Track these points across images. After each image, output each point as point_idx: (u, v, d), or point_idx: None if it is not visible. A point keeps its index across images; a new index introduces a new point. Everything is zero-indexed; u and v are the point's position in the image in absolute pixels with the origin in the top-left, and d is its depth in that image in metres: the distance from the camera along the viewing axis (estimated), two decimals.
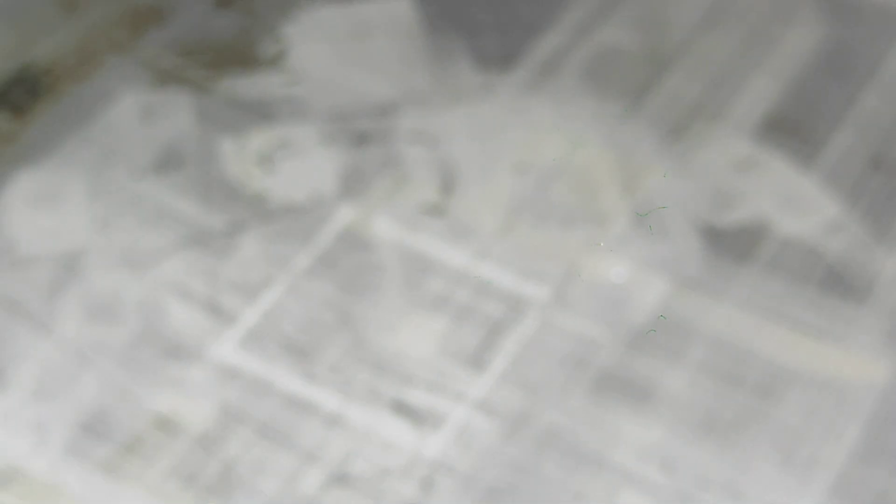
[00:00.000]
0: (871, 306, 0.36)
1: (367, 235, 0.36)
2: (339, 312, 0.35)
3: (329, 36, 0.42)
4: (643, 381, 0.34)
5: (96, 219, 0.37)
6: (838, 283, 0.36)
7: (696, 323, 0.35)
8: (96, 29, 0.42)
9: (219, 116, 0.40)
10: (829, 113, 0.41)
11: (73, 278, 0.36)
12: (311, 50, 0.41)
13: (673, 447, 0.33)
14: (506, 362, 0.35)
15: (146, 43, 0.41)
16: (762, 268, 0.36)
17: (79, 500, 0.32)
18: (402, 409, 0.34)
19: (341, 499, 0.32)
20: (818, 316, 0.35)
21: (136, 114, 0.39)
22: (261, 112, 0.40)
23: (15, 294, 0.35)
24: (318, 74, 0.41)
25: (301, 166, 0.38)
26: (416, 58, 0.41)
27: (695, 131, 0.39)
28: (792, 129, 0.40)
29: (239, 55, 0.41)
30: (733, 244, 0.37)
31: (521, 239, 0.36)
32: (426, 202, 0.37)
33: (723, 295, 0.36)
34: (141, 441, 0.33)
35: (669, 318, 0.35)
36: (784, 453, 0.33)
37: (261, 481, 0.32)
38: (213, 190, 0.38)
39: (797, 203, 0.38)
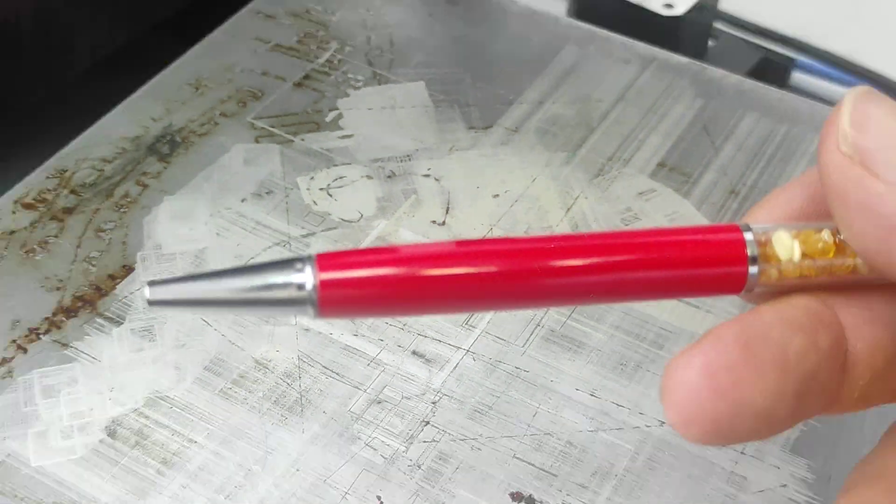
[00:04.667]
0: None
1: (395, 240, 0.36)
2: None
3: (370, 107, 0.42)
4: (577, 337, 0.35)
5: (214, 229, 0.37)
6: None
7: None
8: (215, 103, 0.42)
9: (297, 161, 0.40)
10: (700, 159, 0.41)
11: (200, 267, 0.36)
12: (358, 116, 0.42)
13: (597, 381, 0.33)
14: (486, 324, 0.35)
15: (248, 112, 0.42)
16: None
17: (203, 415, 0.32)
18: (419, 355, 0.34)
19: (378, 414, 0.32)
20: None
21: (240, 159, 0.40)
22: (324, 158, 0.40)
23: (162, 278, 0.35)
24: (362, 132, 0.41)
25: (351, 194, 0.39)
26: (427, 123, 0.41)
27: (611, 172, 0.40)
28: (675, 170, 0.40)
29: (310, 120, 0.41)
30: None
31: None
32: (433, 218, 0.38)
33: None
34: (245, 377, 0.33)
35: None
36: None
37: (324, 403, 0.32)
38: (293, 210, 0.38)
39: (679, 219, 0.38)
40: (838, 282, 0.21)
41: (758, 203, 0.23)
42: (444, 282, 0.20)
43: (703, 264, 0.21)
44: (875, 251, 0.20)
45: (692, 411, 0.19)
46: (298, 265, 0.20)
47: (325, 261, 0.20)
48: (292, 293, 0.20)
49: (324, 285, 0.20)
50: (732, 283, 0.21)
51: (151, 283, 0.20)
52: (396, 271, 0.20)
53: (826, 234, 0.21)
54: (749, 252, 0.20)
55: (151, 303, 0.21)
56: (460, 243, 0.21)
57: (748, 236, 0.21)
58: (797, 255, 0.20)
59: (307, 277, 0.20)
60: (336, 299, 0.20)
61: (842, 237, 0.20)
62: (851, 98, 0.20)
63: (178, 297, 0.20)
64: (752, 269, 0.20)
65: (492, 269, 0.20)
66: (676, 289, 0.21)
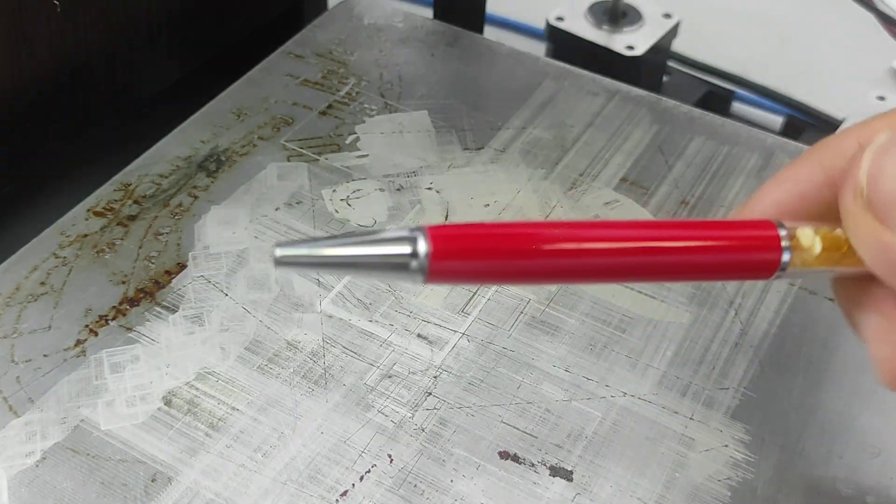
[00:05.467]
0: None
1: None
2: (387, 284, 0.35)
3: (382, 132, 0.42)
4: (554, 322, 0.35)
5: (253, 233, 0.37)
6: None
7: (582, 290, 0.35)
8: (253, 128, 0.42)
9: (322, 176, 0.40)
10: (656, 175, 0.41)
11: (241, 265, 0.36)
12: (372, 139, 0.42)
13: (571, 359, 0.33)
14: (478, 312, 0.35)
15: (281, 136, 0.42)
16: None
17: (243, 388, 0.32)
18: (423, 338, 0.34)
19: (389, 386, 0.32)
20: (651, 286, 0.35)
21: (275, 175, 0.40)
22: (344, 174, 0.40)
23: (209, 274, 0.35)
24: (376, 153, 0.41)
25: (367, 204, 0.39)
26: (429, 144, 0.41)
27: (582, 185, 0.39)
28: (635, 184, 0.40)
29: (332, 142, 0.41)
30: None
31: None
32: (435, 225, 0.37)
33: None
34: (278, 355, 0.33)
35: (565, 287, 0.35)
36: (632, 362, 0.33)
37: (344, 377, 0.32)
38: (319, 217, 0.38)
39: None
40: (851, 272, 0.21)
41: (759, 192, 0.23)
42: (535, 259, 0.19)
43: (745, 251, 0.21)
44: (884, 279, 0.20)
45: None
46: (412, 235, 0.19)
47: (436, 232, 0.19)
48: (405, 262, 0.19)
49: (434, 256, 0.19)
50: (767, 268, 0.21)
51: (280, 245, 0.19)
52: (499, 249, 0.19)
53: (841, 233, 0.21)
54: (783, 243, 0.21)
55: (279, 262, 0.19)
56: (549, 225, 0.20)
57: (782, 231, 0.21)
58: (818, 248, 0.21)
59: (420, 249, 0.19)
60: (443, 272, 0.19)
61: None
62: (871, 152, 0.20)
63: (302, 260, 0.19)
64: (785, 257, 0.21)
65: (578, 248, 0.20)
66: (720, 271, 0.21)
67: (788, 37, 0.62)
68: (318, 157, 0.40)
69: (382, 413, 0.31)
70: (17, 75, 0.38)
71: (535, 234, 0.20)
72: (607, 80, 0.44)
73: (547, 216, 0.37)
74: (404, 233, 0.19)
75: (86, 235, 0.37)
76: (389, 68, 0.45)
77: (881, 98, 0.48)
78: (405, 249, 0.19)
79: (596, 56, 0.50)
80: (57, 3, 0.38)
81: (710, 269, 0.21)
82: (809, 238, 0.21)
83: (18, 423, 0.31)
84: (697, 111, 0.43)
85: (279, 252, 0.19)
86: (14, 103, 0.38)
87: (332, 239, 0.19)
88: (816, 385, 0.33)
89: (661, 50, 0.52)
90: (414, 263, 0.19)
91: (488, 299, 0.35)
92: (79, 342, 0.33)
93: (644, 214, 0.38)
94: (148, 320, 0.34)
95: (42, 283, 0.35)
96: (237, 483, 0.29)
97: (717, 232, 0.21)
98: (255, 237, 0.36)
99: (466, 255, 0.19)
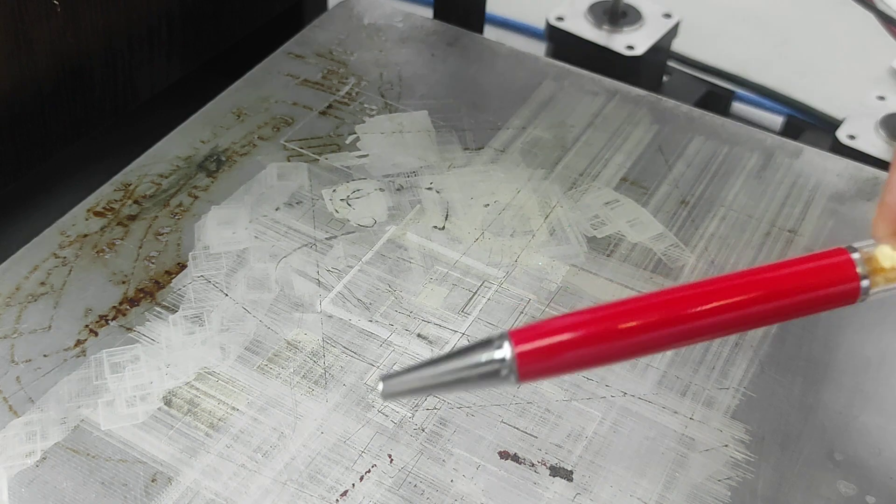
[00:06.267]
0: (679, 282, 0.36)
1: (402, 242, 0.36)
2: (387, 284, 0.35)
3: (382, 131, 0.42)
4: None
5: (253, 233, 0.37)
6: (662, 268, 0.36)
7: (582, 290, 0.35)
8: (253, 128, 0.42)
9: (322, 176, 0.40)
10: (656, 175, 0.41)
11: (241, 265, 0.36)
12: (372, 139, 0.42)
13: None
14: (478, 312, 0.35)
15: (281, 136, 0.42)
16: (619, 259, 0.36)
17: (243, 388, 0.32)
18: (423, 338, 0.34)
19: None
20: (650, 287, 0.35)
21: (275, 175, 0.40)
22: (344, 174, 0.40)
23: (209, 274, 0.35)
24: (376, 153, 0.41)
25: (366, 204, 0.39)
26: (429, 144, 0.41)
27: (582, 186, 0.39)
28: (635, 184, 0.40)
29: (332, 142, 0.41)
30: (603, 246, 0.37)
31: (487, 244, 0.37)
32: (434, 224, 0.37)
33: (598, 274, 0.36)
34: (278, 355, 0.33)
35: (566, 287, 0.35)
36: (632, 362, 0.33)
37: (344, 377, 0.32)
38: (318, 218, 0.38)
39: (638, 224, 0.38)
40: None
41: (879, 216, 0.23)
42: (612, 339, 0.21)
43: (822, 286, 0.21)
44: None
45: None
46: (497, 342, 0.21)
47: (518, 336, 0.21)
48: (495, 367, 0.21)
49: (521, 357, 0.20)
50: (849, 296, 0.21)
51: (385, 379, 0.21)
52: (578, 337, 0.21)
53: None
54: (859, 270, 0.21)
55: (386, 396, 0.21)
56: (612, 307, 0.21)
57: (855, 256, 0.21)
58: None
59: (506, 352, 0.21)
60: (533, 369, 0.21)
61: None
62: None
63: (406, 389, 0.21)
64: (864, 283, 0.21)
65: (653, 320, 0.21)
66: (805, 309, 0.22)
67: (788, 37, 0.62)
68: (318, 157, 0.40)
69: (382, 413, 0.31)
70: (17, 75, 0.38)
71: (610, 316, 0.21)
72: (607, 80, 0.44)
73: (547, 216, 0.37)
74: (489, 343, 0.21)
75: (86, 235, 0.37)
76: (389, 68, 0.45)
77: (881, 98, 0.48)
78: (492, 356, 0.21)
79: (596, 56, 0.50)
80: (57, 3, 0.38)
81: (786, 312, 0.21)
82: (889, 255, 0.21)
83: (18, 423, 0.31)
84: (697, 111, 0.43)
85: (384, 388, 0.21)
86: (14, 103, 0.38)
87: (427, 364, 0.21)
88: (816, 385, 0.33)
89: (661, 50, 0.52)
90: (504, 371, 0.21)
91: (488, 299, 0.35)
92: (79, 342, 0.33)
93: (644, 214, 0.38)
94: (148, 320, 0.34)
95: (42, 283, 0.35)
96: (237, 483, 0.29)
97: (788, 275, 0.21)
98: (256, 237, 0.36)
99: (549, 353, 0.21)
